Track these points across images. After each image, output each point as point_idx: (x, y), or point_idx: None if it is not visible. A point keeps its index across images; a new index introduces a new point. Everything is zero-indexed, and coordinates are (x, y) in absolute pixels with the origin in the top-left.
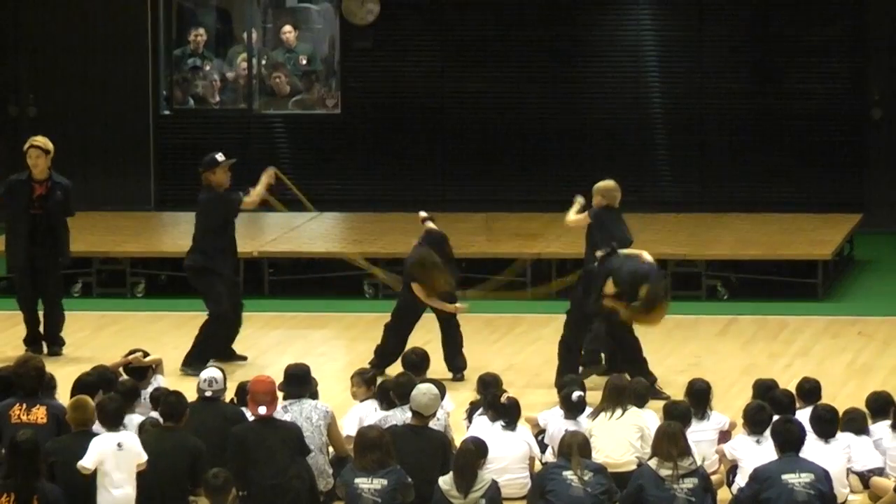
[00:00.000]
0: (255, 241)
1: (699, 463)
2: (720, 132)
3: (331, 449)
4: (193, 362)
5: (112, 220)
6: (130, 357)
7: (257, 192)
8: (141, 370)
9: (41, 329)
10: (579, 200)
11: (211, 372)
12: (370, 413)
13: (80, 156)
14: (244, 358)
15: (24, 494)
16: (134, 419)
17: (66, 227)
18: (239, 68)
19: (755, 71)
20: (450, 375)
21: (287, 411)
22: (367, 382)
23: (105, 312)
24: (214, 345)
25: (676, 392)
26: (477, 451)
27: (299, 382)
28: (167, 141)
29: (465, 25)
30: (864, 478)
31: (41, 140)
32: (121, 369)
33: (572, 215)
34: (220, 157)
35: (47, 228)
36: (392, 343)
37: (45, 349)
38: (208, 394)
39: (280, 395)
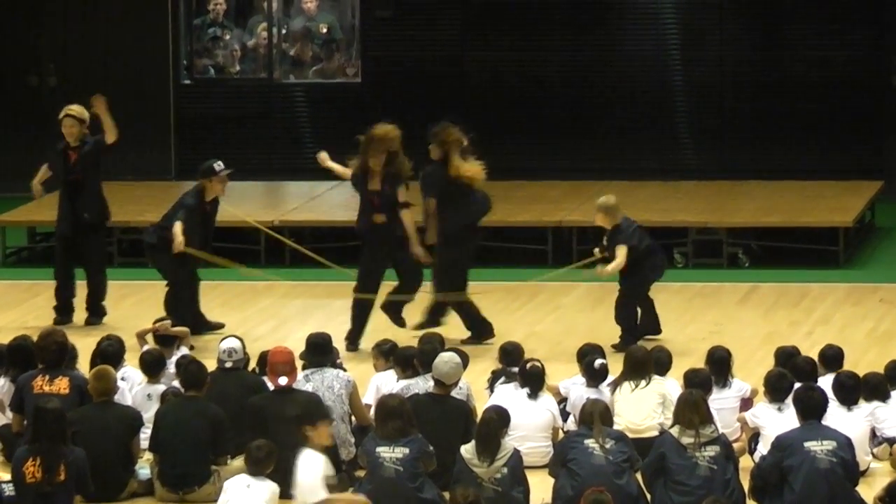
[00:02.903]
0: (276, 210)
1: (721, 431)
2: (741, 100)
3: (353, 418)
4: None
5: (133, 190)
6: (158, 325)
7: (177, 240)
8: (168, 338)
9: (72, 298)
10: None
11: (230, 342)
12: (389, 383)
13: (99, 125)
14: (221, 325)
15: (50, 459)
16: (158, 388)
17: (99, 186)
18: (259, 37)
19: (775, 38)
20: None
21: (309, 380)
22: (385, 354)
23: (126, 282)
24: (184, 311)
25: (697, 360)
26: (499, 420)
27: (321, 351)
28: (188, 110)
29: None
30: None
31: (77, 109)
32: (148, 337)
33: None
34: (217, 166)
35: (88, 194)
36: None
37: (72, 317)
38: (228, 364)
39: (299, 364)
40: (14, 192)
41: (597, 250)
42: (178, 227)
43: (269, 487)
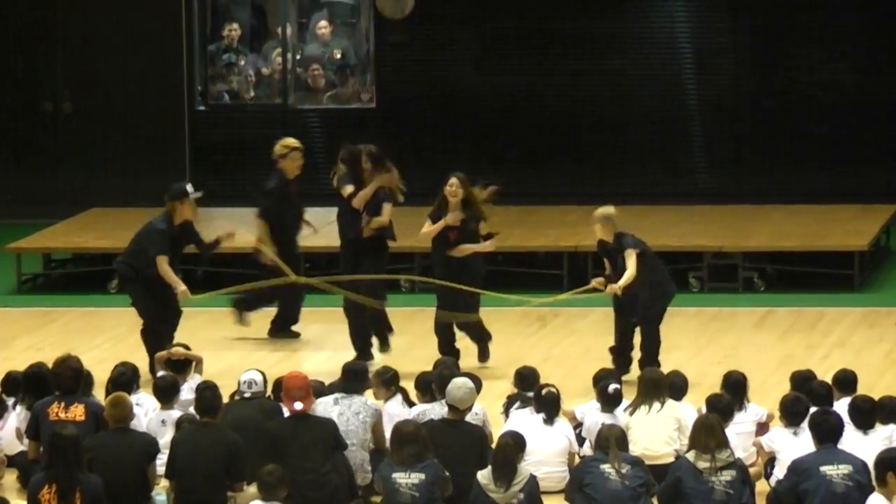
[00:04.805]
0: None
1: (737, 455)
2: (755, 123)
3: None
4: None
5: (148, 216)
6: (172, 350)
7: (179, 283)
8: (181, 363)
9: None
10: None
11: (251, 374)
12: (398, 410)
13: (114, 152)
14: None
15: (65, 485)
16: (173, 414)
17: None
18: (274, 63)
19: (789, 61)
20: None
21: (337, 403)
22: (386, 383)
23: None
24: (157, 345)
25: (713, 384)
26: (516, 445)
27: (355, 379)
28: (202, 136)
29: (500, 18)
30: None
31: (297, 141)
32: (163, 361)
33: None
34: (189, 188)
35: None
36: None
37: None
38: (247, 395)
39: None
40: (29, 218)
41: (595, 281)
42: (165, 266)
43: None
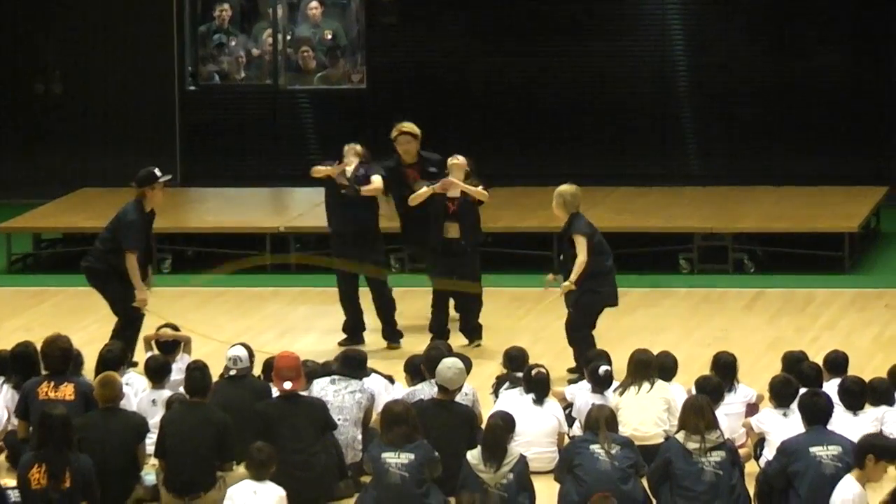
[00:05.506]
0: (282, 216)
1: (726, 436)
2: (747, 105)
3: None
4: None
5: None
6: (160, 331)
7: (141, 289)
8: (170, 344)
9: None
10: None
11: (236, 350)
12: (379, 386)
13: (105, 132)
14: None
15: (55, 465)
16: (163, 394)
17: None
18: (264, 44)
19: (782, 44)
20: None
21: (334, 383)
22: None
23: None
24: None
25: (703, 366)
26: (505, 426)
27: (354, 366)
28: (193, 117)
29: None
30: None
31: (409, 126)
32: (152, 343)
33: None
34: (157, 172)
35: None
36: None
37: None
38: (233, 372)
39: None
40: (19, 198)
41: (550, 276)
42: (139, 285)
43: (277, 492)
